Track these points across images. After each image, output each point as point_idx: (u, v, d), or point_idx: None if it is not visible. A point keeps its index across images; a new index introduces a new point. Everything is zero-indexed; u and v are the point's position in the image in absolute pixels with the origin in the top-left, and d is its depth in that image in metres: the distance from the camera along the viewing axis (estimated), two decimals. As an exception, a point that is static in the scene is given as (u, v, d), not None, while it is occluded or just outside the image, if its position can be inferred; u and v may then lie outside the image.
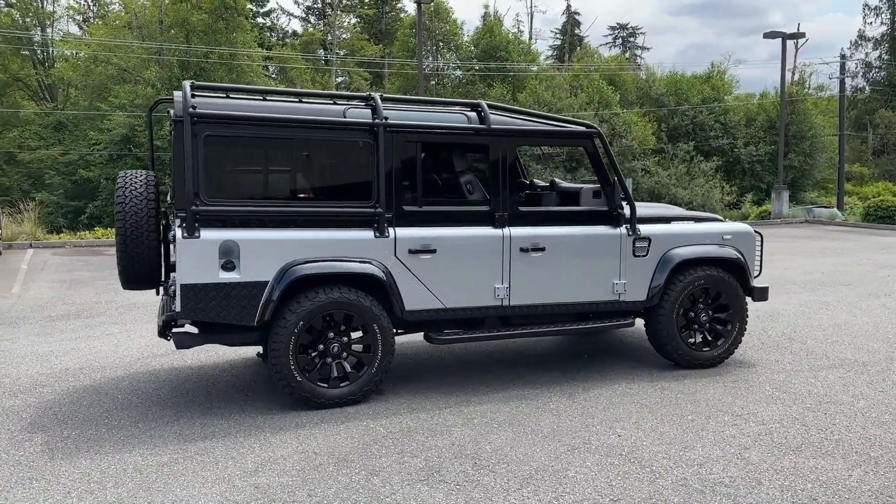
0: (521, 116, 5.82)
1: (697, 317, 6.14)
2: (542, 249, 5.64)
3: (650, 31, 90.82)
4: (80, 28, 38.61)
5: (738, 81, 42.14)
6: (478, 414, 5.08)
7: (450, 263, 5.41)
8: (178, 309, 4.84)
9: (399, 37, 34.23)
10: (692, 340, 6.15)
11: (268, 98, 5.30)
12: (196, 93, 5.01)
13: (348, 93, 5.66)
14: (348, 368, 5.27)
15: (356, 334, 5.28)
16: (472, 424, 4.88)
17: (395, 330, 5.71)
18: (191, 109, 4.76)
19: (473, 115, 5.60)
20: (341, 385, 5.21)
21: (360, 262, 5.18)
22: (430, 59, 33.11)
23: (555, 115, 6.09)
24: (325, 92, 5.60)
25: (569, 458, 4.32)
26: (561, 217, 5.85)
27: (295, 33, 43.37)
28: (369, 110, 5.28)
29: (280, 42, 41.91)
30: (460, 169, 5.81)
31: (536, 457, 4.35)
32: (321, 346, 5.17)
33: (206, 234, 4.84)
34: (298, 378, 5.06)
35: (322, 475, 4.10)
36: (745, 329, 6.30)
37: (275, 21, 43.63)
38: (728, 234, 6.25)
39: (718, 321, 6.23)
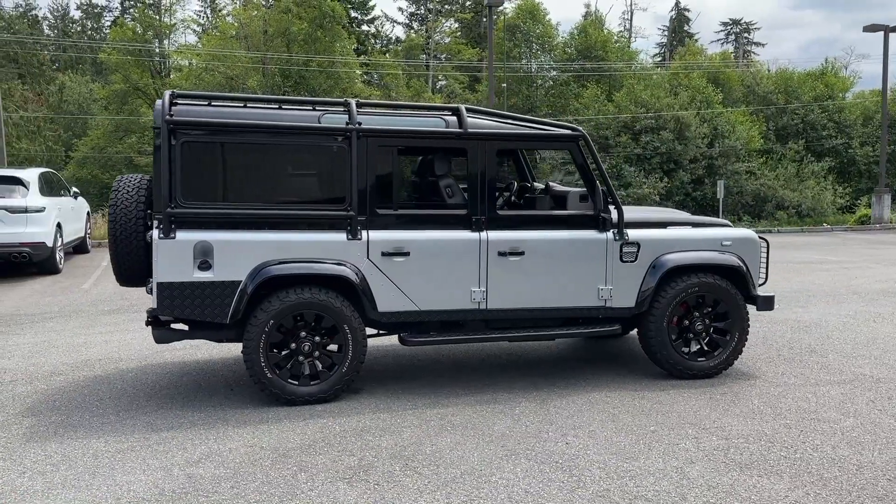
0: (504, 120, 5.79)
1: (692, 325, 5.93)
2: (522, 253, 5.61)
3: (769, 27, 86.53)
4: (198, 38, 40.92)
5: (859, 77, 39.68)
6: (438, 416, 5.12)
7: (423, 266, 5.47)
8: (154, 306, 5.14)
9: (494, 39, 34.25)
10: (686, 350, 5.94)
11: (248, 105, 5.52)
12: (179, 101, 5.29)
13: (327, 99, 5.80)
14: (320, 367, 5.42)
15: (329, 334, 5.42)
16: (427, 426, 4.93)
17: (378, 331, 5.86)
18: (167, 117, 5.04)
19: (453, 119, 5.63)
20: (312, 383, 5.37)
21: (332, 263, 5.31)
22: (524, 61, 33.00)
23: (540, 119, 6.03)
24: (305, 98, 5.76)
25: (501, 463, 4.30)
26: (542, 221, 5.80)
27: (398, 39, 44.22)
28: (346, 116, 5.42)
29: (383, 49, 42.85)
30: (440, 173, 5.85)
31: (470, 460, 4.35)
32: (293, 345, 5.34)
33: (182, 235, 5.10)
34: (269, 375, 5.25)
35: (254, 469, 4.26)
36: (746, 339, 6.03)
37: (379, 28, 44.64)
38: (727, 240, 6.00)
39: (716, 330, 5.99)
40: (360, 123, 5.34)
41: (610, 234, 5.78)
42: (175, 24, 38.43)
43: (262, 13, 31.77)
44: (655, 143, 29.42)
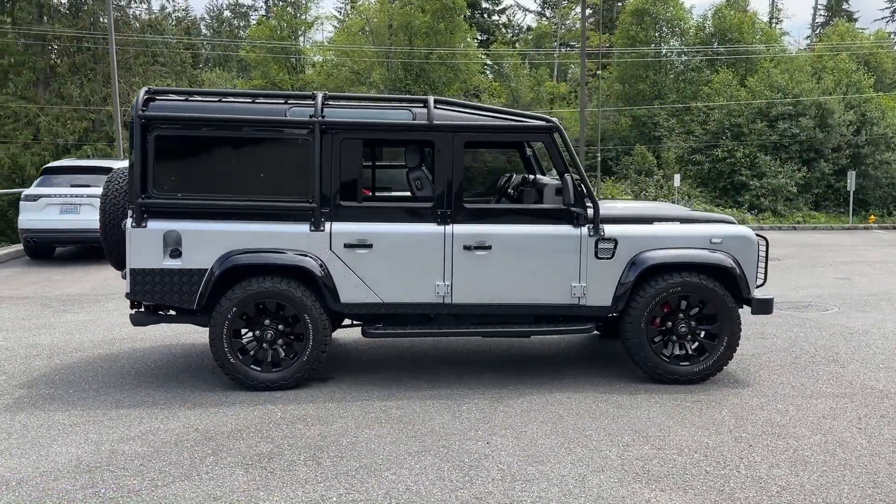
0: (475, 112, 5.67)
1: (675, 327, 5.58)
2: (489, 248, 5.48)
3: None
4: (335, 33, 42.37)
5: None
6: (381, 409, 5.12)
7: (386, 259, 5.47)
8: (128, 290, 5.46)
9: (618, 24, 33.25)
10: (667, 353, 5.59)
11: (224, 100, 5.72)
12: (157, 97, 5.57)
13: (299, 93, 5.90)
14: (283, 355, 5.55)
15: (292, 323, 5.54)
16: (365, 417, 4.95)
17: (352, 322, 5.93)
18: (140, 112, 5.34)
19: (421, 111, 5.58)
20: (273, 370, 5.52)
21: (294, 254, 5.43)
22: (653, 45, 31.76)
23: (513, 110, 5.85)
24: (279, 92, 5.91)
25: (406, 459, 4.26)
26: (513, 214, 5.64)
27: (529, 28, 43.87)
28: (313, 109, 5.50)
29: (514, 38, 42.64)
30: (410, 165, 5.81)
31: (378, 454, 4.34)
32: (257, 332, 5.51)
33: (153, 224, 5.39)
34: (232, 360, 5.45)
35: (171, 449, 4.44)
36: (737, 343, 5.59)
37: (510, 17, 44.48)
38: (718, 237, 5.58)
39: (705, 334, 5.59)
40: (323, 116, 5.41)
41: (585, 230, 5.53)
42: (312, 21, 39.92)
43: (388, 7, 32.48)
44: (794, 130, 27.54)
